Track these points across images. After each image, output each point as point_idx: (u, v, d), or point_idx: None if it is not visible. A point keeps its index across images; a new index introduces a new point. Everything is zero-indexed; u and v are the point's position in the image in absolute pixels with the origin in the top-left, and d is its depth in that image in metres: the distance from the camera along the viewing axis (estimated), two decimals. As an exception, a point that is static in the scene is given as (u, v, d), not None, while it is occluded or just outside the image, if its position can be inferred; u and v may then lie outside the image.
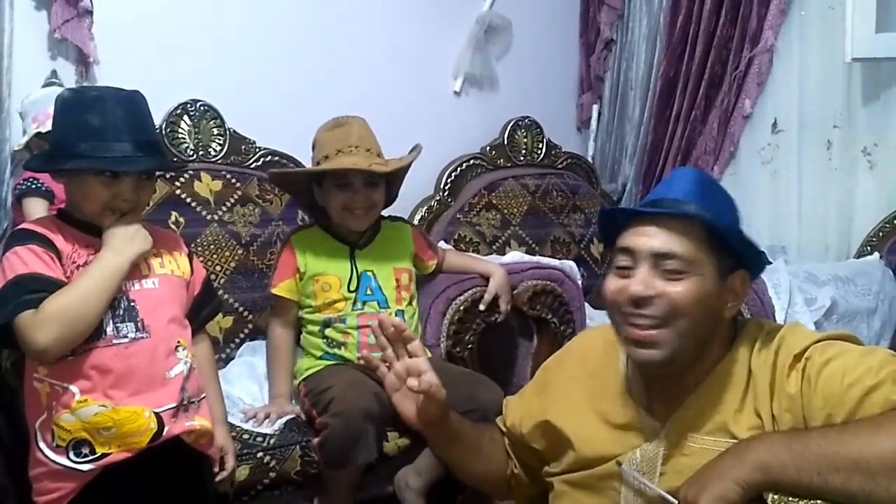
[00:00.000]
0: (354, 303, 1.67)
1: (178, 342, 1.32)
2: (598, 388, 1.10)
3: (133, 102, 1.30)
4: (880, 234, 2.34)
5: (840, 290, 2.05)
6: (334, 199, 1.69)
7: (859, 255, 2.36)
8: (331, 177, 1.68)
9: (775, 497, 0.87)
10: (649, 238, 0.99)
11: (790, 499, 0.86)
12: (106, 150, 1.25)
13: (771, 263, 1.06)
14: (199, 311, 1.45)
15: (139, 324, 1.27)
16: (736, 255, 1.01)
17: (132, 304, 1.28)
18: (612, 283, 1.02)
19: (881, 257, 2.29)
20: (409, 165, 1.76)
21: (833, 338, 0.98)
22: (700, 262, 0.98)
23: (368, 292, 1.68)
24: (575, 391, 1.12)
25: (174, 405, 1.28)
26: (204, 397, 1.38)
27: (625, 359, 1.10)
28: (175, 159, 1.94)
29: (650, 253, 0.98)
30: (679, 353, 0.98)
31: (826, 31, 2.39)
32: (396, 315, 1.68)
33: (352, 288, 1.68)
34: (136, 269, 1.31)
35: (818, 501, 0.85)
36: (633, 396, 1.07)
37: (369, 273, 1.69)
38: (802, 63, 2.46)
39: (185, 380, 1.31)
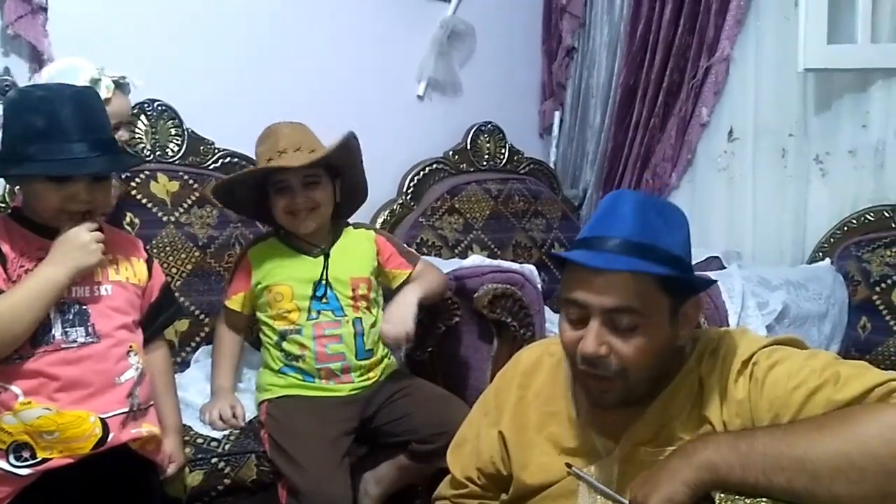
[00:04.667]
0: (309, 312, 1.62)
1: (130, 347, 1.30)
2: (548, 411, 1.09)
3: (83, 100, 1.26)
4: (831, 240, 2.40)
5: (792, 295, 2.09)
6: (277, 205, 1.65)
7: (811, 260, 2.42)
8: (272, 186, 1.65)
9: (722, 496, 0.88)
10: (599, 294, 0.94)
11: (737, 497, 0.88)
12: (54, 153, 1.20)
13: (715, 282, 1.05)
14: (156, 317, 1.42)
15: (89, 329, 1.25)
16: (688, 284, 1.00)
17: (84, 308, 1.25)
18: (566, 333, 0.99)
19: (832, 263, 2.35)
20: (342, 153, 1.64)
21: (778, 342, 1.00)
22: (652, 308, 0.95)
23: (323, 301, 1.63)
24: (525, 416, 1.10)
25: (123, 411, 1.25)
26: (152, 404, 1.34)
27: (572, 380, 1.09)
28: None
29: (602, 309, 0.95)
30: (633, 393, 0.99)
31: (781, 42, 2.44)
32: (354, 323, 1.63)
33: (317, 294, 1.62)
34: (90, 276, 1.27)
35: (764, 500, 0.87)
36: (583, 418, 1.06)
37: (324, 282, 1.64)
38: (758, 72, 2.51)
39: (134, 385, 1.29)
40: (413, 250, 1.80)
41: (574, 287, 0.97)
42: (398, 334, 1.58)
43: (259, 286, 1.67)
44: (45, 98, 1.23)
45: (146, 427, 1.30)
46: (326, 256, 1.67)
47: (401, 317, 1.60)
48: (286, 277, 1.65)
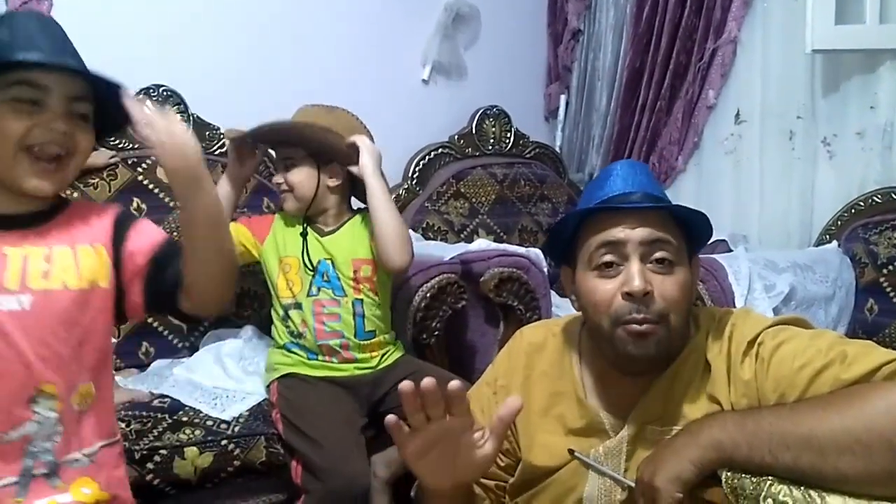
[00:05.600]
0: (309, 287, 1.66)
1: (42, 389, 0.94)
2: (554, 392, 1.09)
3: (51, 20, 1.02)
4: (838, 222, 2.38)
5: (798, 277, 2.09)
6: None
7: (818, 243, 2.41)
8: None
9: (729, 474, 0.89)
10: (634, 231, 0.97)
11: (743, 475, 0.88)
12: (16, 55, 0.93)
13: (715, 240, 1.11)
14: (162, 272, 1.02)
15: None
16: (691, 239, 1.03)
17: None
18: (599, 290, 0.98)
19: (839, 246, 2.34)
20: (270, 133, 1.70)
21: (784, 322, 1.00)
22: (679, 248, 0.99)
23: (325, 279, 1.67)
24: (530, 397, 1.10)
25: (12, 480, 0.92)
26: (111, 443, 1.02)
27: (578, 359, 1.09)
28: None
29: (641, 242, 0.96)
30: (668, 348, 0.99)
31: (788, 23, 2.42)
32: (354, 304, 1.66)
33: (307, 266, 1.66)
34: None
35: (770, 478, 0.87)
36: (590, 398, 1.06)
37: (328, 260, 1.68)
38: (765, 54, 2.49)
39: (33, 441, 0.94)
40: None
41: (608, 229, 0.98)
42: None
43: (274, 254, 1.71)
44: (8, 14, 1.08)
45: (76, 491, 0.96)
46: (304, 235, 1.70)
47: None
48: (294, 250, 1.69)
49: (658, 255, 0.97)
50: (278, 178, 1.73)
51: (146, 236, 1.04)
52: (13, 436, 0.92)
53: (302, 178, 1.69)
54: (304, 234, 1.70)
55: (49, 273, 0.96)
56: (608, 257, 0.98)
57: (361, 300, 1.68)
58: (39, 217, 0.99)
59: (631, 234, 0.97)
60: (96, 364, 1.02)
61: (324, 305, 1.65)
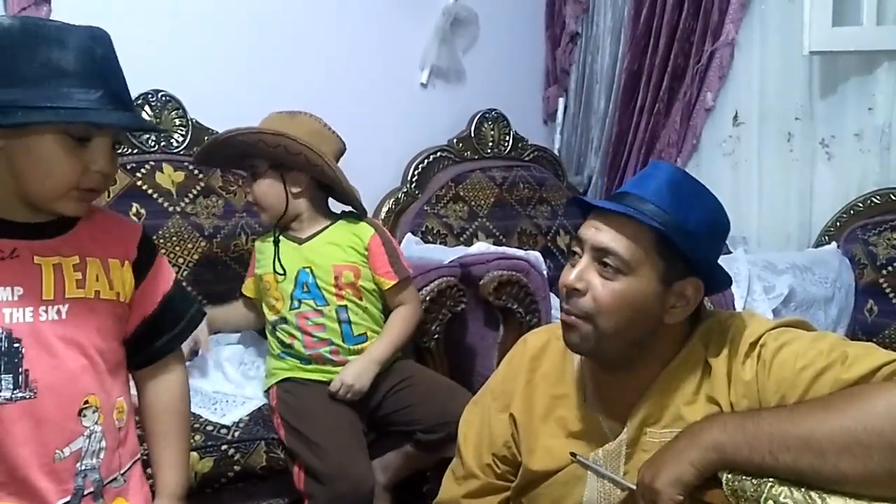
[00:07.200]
0: (291, 301, 1.64)
1: (87, 402, 0.93)
2: (555, 395, 1.09)
3: (106, 41, 0.95)
4: (837, 224, 2.39)
5: (798, 279, 2.09)
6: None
7: (818, 244, 2.41)
8: None
9: (729, 476, 0.89)
10: (596, 232, 0.99)
11: (743, 477, 0.88)
12: (74, 99, 0.87)
13: (731, 284, 1.08)
14: (153, 338, 1.05)
15: (20, 378, 0.88)
16: (690, 262, 0.99)
17: (15, 346, 0.88)
18: (564, 272, 1.03)
19: (838, 247, 2.34)
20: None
21: (786, 324, 1.00)
22: (641, 265, 0.97)
23: (305, 289, 1.64)
24: (532, 399, 1.11)
25: (65, 501, 0.92)
26: (136, 460, 1.02)
27: (579, 362, 1.10)
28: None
29: (592, 246, 0.99)
30: (606, 350, 0.99)
31: (786, 25, 2.43)
32: (338, 311, 1.63)
33: (279, 280, 1.64)
34: (33, 290, 0.91)
35: (770, 479, 0.87)
36: (590, 401, 1.07)
37: (307, 269, 1.64)
38: (763, 56, 2.50)
39: (83, 458, 0.93)
40: (404, 263, 1.70)
41: (585, 225, 1.02)
42: (349, 387, 1.57)
43: (257, 274, 1.72)
44: (65, 29, 0.90)
45: None
46: (277, 243, 1.68)
47: (359, 373, 1.59)
48: (270, 266, 1.68)
49: (606, 260, 0.98)
50: (247, 189, 1.75)
51: (160, 281, 1.06)
52: (67, 452, 0.92)
53: (264, 189, 1.66)
54: (276, 242, 1.68)
55: (83, 282, 0.96)
56: (576, 250, 1.02)
57: (345, 306, 1.64)
58: (64, 224, 0.97)
59: (590, 235, 1.00)
60: (125, 377, 1.03)
61: (307, 317, 1.63)
